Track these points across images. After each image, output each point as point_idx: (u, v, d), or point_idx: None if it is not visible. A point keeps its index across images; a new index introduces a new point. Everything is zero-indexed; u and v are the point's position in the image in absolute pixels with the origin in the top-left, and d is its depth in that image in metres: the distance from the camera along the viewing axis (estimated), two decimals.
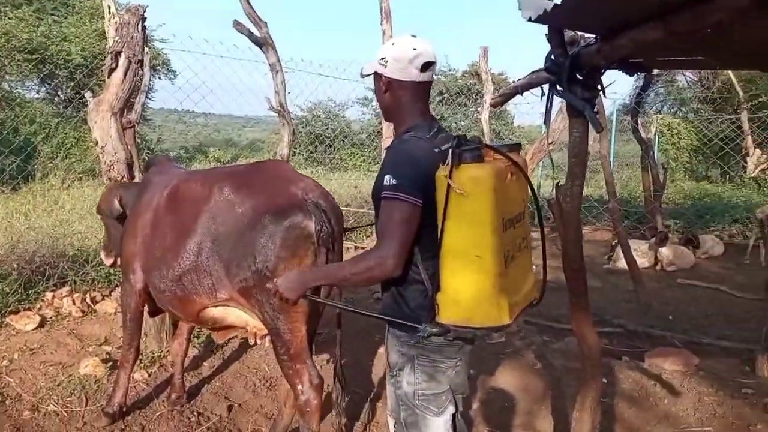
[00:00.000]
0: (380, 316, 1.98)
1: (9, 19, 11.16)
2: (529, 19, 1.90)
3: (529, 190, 1.98)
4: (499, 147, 1.86)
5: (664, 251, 7.54)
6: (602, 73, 2.30)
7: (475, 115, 16.68)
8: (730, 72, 11.79)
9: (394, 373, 1.99)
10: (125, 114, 4.08)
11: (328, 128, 16.09)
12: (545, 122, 2.80)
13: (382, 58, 1.94)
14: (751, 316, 5.20)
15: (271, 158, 6.30)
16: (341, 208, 9.20)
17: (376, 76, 1.98)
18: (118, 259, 3.67)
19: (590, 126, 2.41)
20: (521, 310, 1.84)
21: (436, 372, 1.91)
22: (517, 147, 1.99)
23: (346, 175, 12.93)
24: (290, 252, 2.50)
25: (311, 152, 14.80)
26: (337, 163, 14.76)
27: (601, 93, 2.30)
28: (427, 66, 1.92)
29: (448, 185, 1.68)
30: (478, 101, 17.40)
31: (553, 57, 2.34)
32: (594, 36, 2.14)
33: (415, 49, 1.90)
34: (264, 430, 3.38)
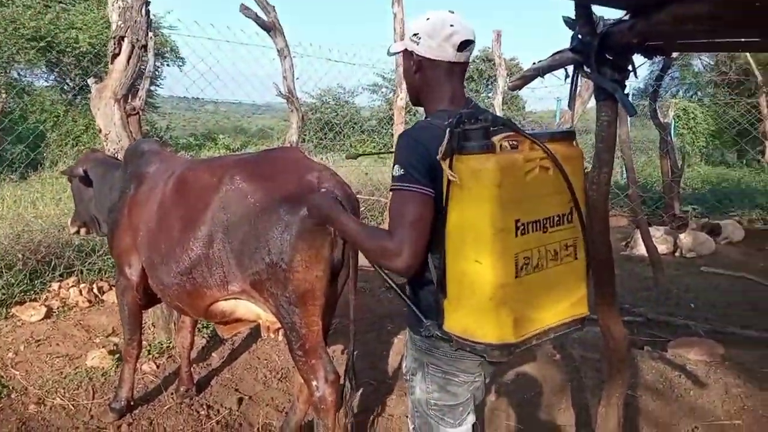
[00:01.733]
0: (402, 293, 1.80)
1: (16, 6, 11.07)
2: None
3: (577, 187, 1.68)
4: (542, 134, 1.63)
5: (684, 237, 7.37)
6: (633, 53, 2.16)
7: (486, 100, 16.48)
8: (748, 55, 11.50)
9: (408, 377, 1.86)
10: (129, 100, 3.97)
11: (337, 115, 15.97)
12: (569, 106, 2.66)
13: (415, 34, 1.74)
14: None
15: (281, 145, 6.18)
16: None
17: (406, 54, 1.79)
18: (82, 230, 3.71)
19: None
20: (551, 328, 1.60)
21: (449, 384, 1.74)
22: (566, 135, 1.74)
23: (356, 162, 12.78)
24: (306, 243, 2.38)
25: (320, 139, 14.68)
26: (347, 150, 14.61)
27: (633, 74, 2.16)
28: (465, 45, 1.72)
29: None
30: (489, 86, 17.21)
31: (580, 36, 2.20)
32: (624, 13, 2.00)
33: (452, 25, 1.70)
34: (275, 423, 3.30)
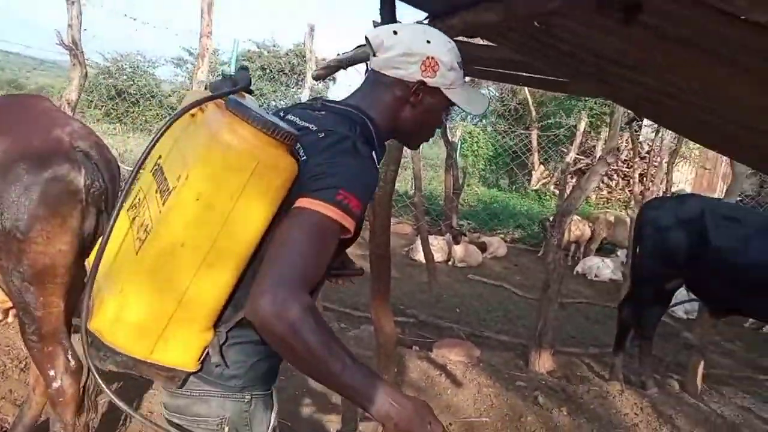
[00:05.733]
0: None
1: None
2: None
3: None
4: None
5: (457, 248, 8.03)
6: None
7: (295, 96, 16.43)
8: (526, 92, 12.97)
9: None
10: None
11: (134, 84, 14.75)
12: None
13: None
14: (527, 314, 5.69)
15: (58, 104, 5.43)
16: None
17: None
18: None
19: None
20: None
21: None
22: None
23: (150, 137, 11.91)
24: (50, 210, 2.04)
25: (111, 107, 13.46)
26: (141, 124, 13.57)
27: None
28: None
29: None
30: (300, 82, 17.20)
31: None
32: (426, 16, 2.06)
33: None
34: (10, 418, 2.85)
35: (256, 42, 18.91)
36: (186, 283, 1.09)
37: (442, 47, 1.32)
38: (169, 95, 15.87)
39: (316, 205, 1.09)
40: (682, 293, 4.86)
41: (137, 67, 15.91)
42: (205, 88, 1.23)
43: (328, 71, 3.05)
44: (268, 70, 16.62)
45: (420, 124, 1.39)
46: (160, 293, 1.10)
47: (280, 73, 16.71)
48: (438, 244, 7.86)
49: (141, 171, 1.24)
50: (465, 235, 8.82)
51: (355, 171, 1.14)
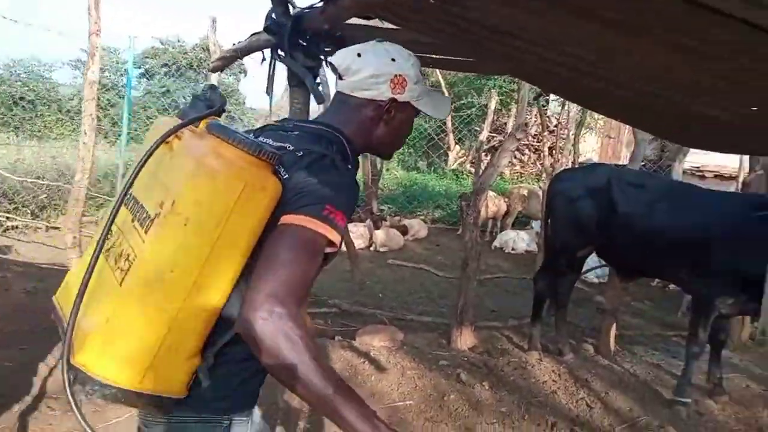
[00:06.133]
0: None
1: None
2: None
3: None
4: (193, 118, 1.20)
5: (378, 233, 8.05)
6: (326, 41, 2.17)
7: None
8: (438, 74, 13.12)
9: None
10: None
11: (29, 89, 13.90)
12: (267, 91, 2.58)
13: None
14: (448, 293, 5.77)
15: None
16: (30, 180, 7.75)
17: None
18: None
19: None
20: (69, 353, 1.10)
21: None
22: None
23: (48, 144, 11.25)
24: None
25: (4, 115, 12.65)
26: (39, 131, 12.82)
27: (324, 63, 2.16)
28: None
29: None
30: (208, 76, 16.70)
31: (274, 15, 2.13)
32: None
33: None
34: None
35: (159, 38, 18.20)
36: (176, 309, 1.09)
37: (406, 63, 1.38)
38: (70, 99, 15.03)
39: (303, 221, 1.11)
40: (593, 259, 5.06)
41: (32, 71, 14.99)
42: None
43: (224, 62, 2.92)
44: (174, 66, 16.11)
45: (394, 138, 1.45)
46: (150, 321, 1.09)
47: (188, 69, 16.24)
48: (359, 231, 7.85)
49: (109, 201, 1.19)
50: (385, 220, 8.86)
51: (338, 187, 1.18)
